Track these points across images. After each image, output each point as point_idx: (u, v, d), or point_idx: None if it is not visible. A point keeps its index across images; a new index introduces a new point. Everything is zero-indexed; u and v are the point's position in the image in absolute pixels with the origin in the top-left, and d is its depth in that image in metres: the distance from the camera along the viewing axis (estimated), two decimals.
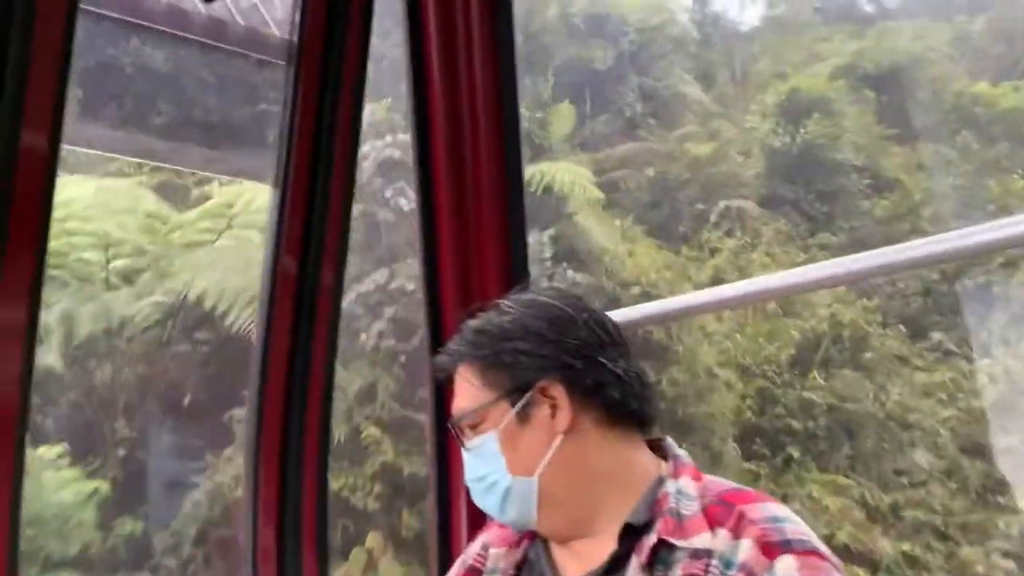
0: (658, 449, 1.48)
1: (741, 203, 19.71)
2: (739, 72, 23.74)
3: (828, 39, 23.27)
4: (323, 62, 2.38)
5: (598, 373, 1.41)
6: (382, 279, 15.13)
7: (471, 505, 1.58)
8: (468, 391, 1.47)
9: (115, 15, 2.11)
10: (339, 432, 13.81)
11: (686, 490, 1.38)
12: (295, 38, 2.38)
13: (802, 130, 19.92)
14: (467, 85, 2.55)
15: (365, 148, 15.37)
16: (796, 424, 15.96)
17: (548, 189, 17.02)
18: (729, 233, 19.29)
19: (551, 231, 17.00)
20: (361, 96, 2.47)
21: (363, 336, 14.84)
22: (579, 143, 20.40)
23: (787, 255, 18.58)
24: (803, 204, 20.02)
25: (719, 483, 1.41)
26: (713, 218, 19.57)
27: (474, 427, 1.47)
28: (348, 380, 14.22)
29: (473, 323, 1.50)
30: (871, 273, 1.88)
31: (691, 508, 1.35)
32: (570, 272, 16.60)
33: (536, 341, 1.42)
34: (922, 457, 15.77)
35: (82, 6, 1.93)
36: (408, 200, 15.57)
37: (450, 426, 1.51)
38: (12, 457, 1.84)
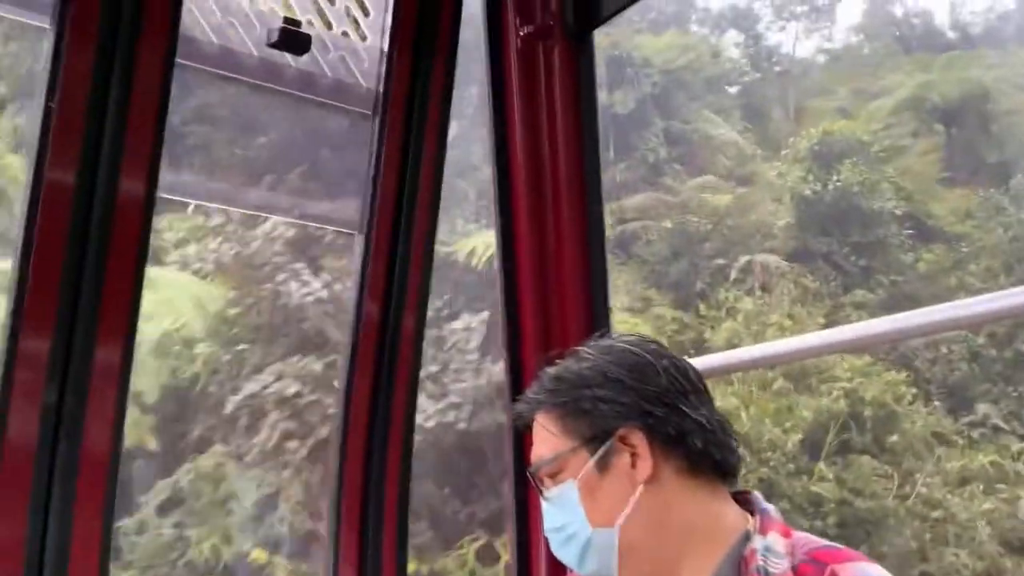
0: (744, 502, 1.43)
1: (765, 257, 18.15)
2: (792, 109, 22.57)
3: (894, 70, 22.06)
4: (407, 112, 2.43)
5: (680, 421, 1.38)
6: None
7: (550, 556, 1.55)
8: (547, 439, 1.45)
9: (210, 68, 2.19)
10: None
11: (775, 547, 1.32)
12: (381, 89, 2.43)
13: (835, 176, 18.40)
14: (548, 130, 2.57)
15: (266, 226, 14.58)
16: (803, 522, 13.88)
17: None
18: (750, 291, 17.74)
19: None
20: (443, 145, 2.50)
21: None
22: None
23: (811, 316, 16.85)
24: (836, 257, 18.40)
25: (809, 540, 1.35)
26: (734, 274, 18.09)
27: (553, 476, 1.44)
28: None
29: (551, 370, 1.48)
30: (908, 335, 1.79)
31: (780, 567, 1.29)
32: None
33: (615, 388, 1.39)
34: (957, 557, 13.59)
35: (179, 60, 2.01)
36: (300, 284, 14.85)
37: (529, 475, 1.49)
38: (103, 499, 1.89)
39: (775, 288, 17.81)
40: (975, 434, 15.44)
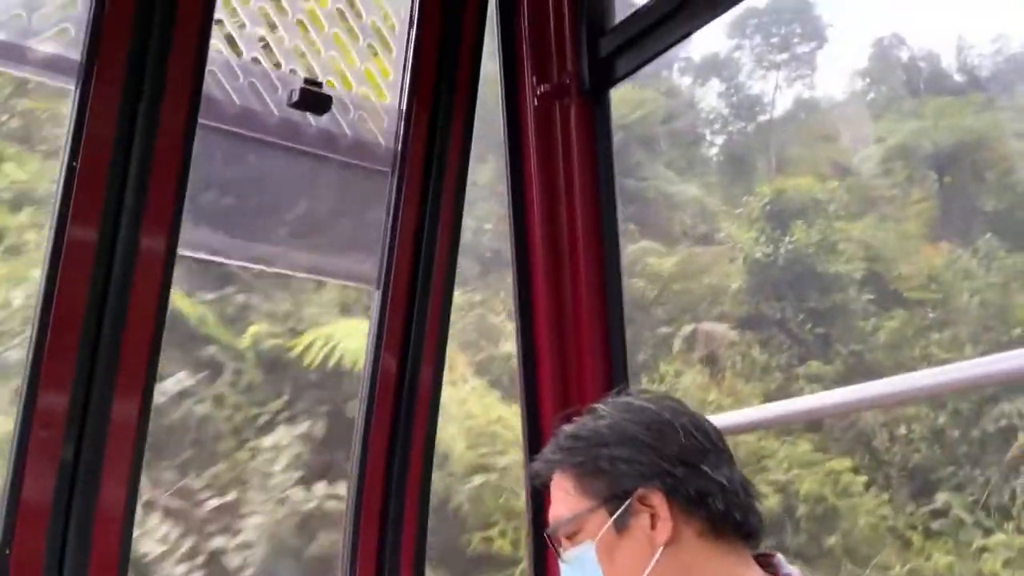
0: (767, 565, 1.40)
1: (712, 326, 16.76)
2: (774, 162, 21.25)
3: (880, 117, 21.09)
4: (425, 170, 2.46)
5: (700, 481, 1.36)
6: None
7: None
8: (564, 500, 1.43)
9: (232, 128, 2.23)
10: None
11: None
12: (399, 147, 2.46)
13: (788, 237, 16.95)
14: (565, 187, 2.59)
15: None
16: None
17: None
18: (689, 362, 16.28)
19: None
20: (461, 202, 2.53)
21: None
22: None
23: (754, 391, 15.37)
24: (791, 325, 16.90)
25: None
26: (678, 344, 16.71)
27: (571, 537, 1.42)
28: None
29: (568, 428, 1.47)
30: (865, 406, 1.79)
31: None
32: None
33: (634, 447, 1.38)
34: None
35: (201, 120, 2.05)
36: None
37: (547, 536, 1.46)
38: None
39: (721, 359, 16.65)
40: (935, 525, 13.93)
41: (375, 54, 2.50)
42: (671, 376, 16.29)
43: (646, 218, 19.18)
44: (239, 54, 2.26)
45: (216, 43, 2.18)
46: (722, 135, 23.44)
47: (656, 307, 17.49)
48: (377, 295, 2.44)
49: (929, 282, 17.43)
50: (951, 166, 19.12)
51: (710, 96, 24.12)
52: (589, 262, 2.60)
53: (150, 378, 1.94)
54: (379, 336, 2.40)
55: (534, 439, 2.55)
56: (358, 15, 2.48)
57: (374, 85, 2.49)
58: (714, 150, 23.43)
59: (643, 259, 17.88)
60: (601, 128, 2.63)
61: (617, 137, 2.69)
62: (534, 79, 2.63)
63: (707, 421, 1.45)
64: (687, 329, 16.92)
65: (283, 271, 2.52)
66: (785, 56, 23.98)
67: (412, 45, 2.49)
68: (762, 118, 23.41)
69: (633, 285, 16.82)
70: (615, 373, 2.59)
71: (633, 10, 2.49)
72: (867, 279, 17.46)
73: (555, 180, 2.61)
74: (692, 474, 1.36)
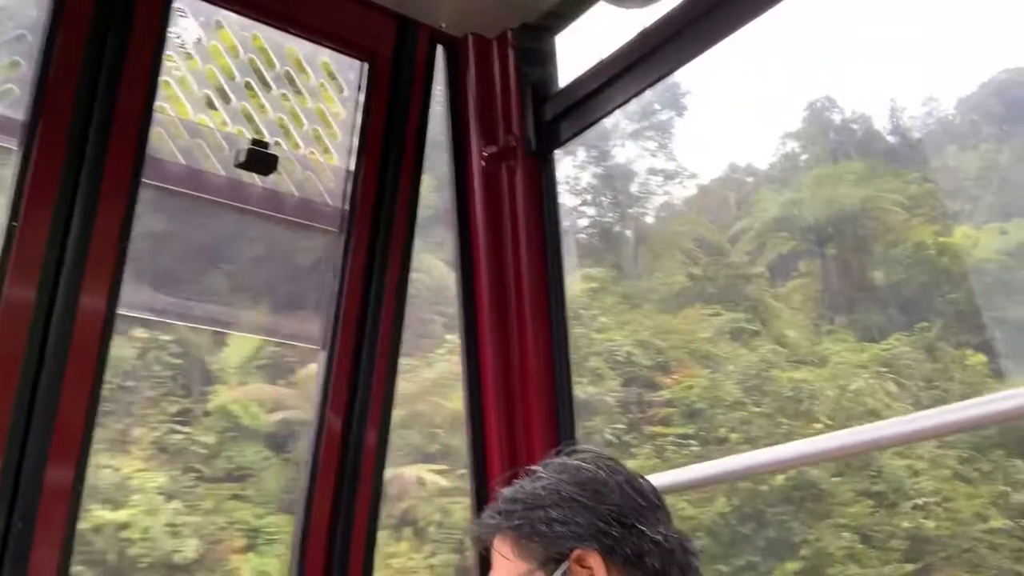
0: None
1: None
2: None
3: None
4: (373, 230, 2.47)
5: (637, 540, 1.36)
6: None
7: None
8: (503, 565, 1.43)
9: (177, 188, 2.22)
10: None
11: None
12: (347, 207, 2.48)
13: None
14: (511, 246, 2.62)
15: None
16: None
17: None
18: None
19: None
20: (408, 262, 2.53)
21: None
22: None
23: None
24: None
25: None
26: None
27: None
28: None
29: (507, 491, 1.47)
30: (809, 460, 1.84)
31: None
32: None
33: (570, 508, 1.38)
34: None
35: (146, 180, 2.05)
36: None
37: None
38: None
39: None
40: None
41: (323, 115, 2.53)
42: None
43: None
44: (185, 114, 2.27)
45: (162, 103, 2.18)
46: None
47: None
48: (323, 355, 2.42)
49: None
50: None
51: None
52: (536, 319, 2.61)
53: (86, 442, 1.90)
54: (324, 396, 2.39)
55: (482, 503, 2.53)
56: (307, 77, 2.51)
57: (322, 146, 2.51)
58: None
59: None
60: (547, 188, 2.67)
61: None
62: (481, 141, 2.67)
63: (644, 479, 1.46)
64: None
65: (226, 331, 2.50)
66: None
67: (361, 107, 2.52)
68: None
69: None
70: (563, 430, 2.59)
71: (576, 76, 2.55)
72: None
73: (502, 239, 2.63)
74: (629, 533, 1.36)
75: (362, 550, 2.40)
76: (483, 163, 2.66)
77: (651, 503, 1.42)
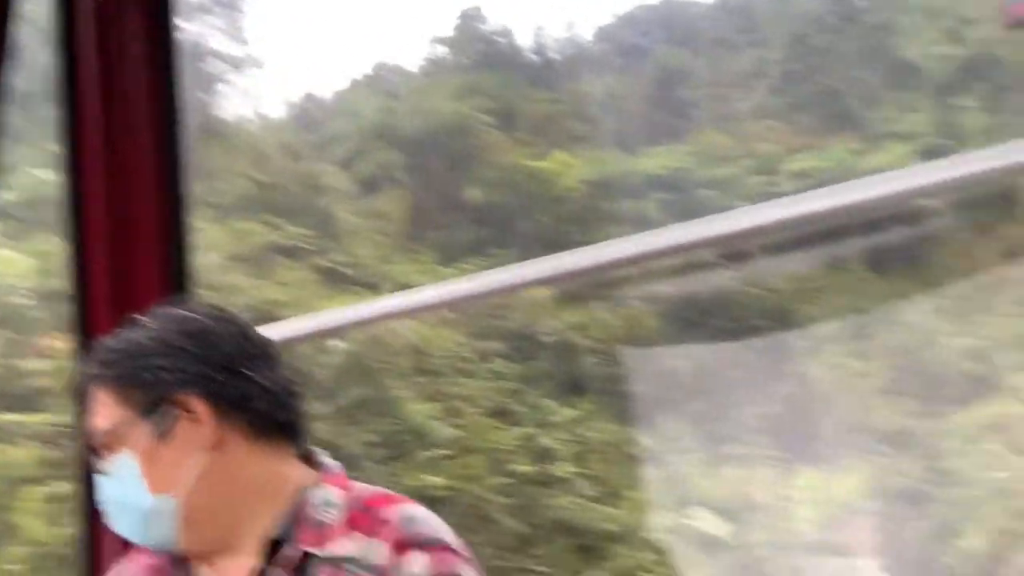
0: (312, 463, 1.48)
1: None
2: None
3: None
4: None
5: (242, 385, 1.39)
6: None
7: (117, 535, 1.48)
8: (104, 412, 1.40)
9: None
10: None
11: (330, 499, 1.39)
12: None
13: None
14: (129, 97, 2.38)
15: None
16: None
17: None
18: None
19: None
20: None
21: None
22: None
23: None
24: None
25: (366, 490, 1.43)
26: None
27: (111, 448, 1.39)
28: None
29: (108, 341, 1.43)
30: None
31: (332, 516, 1.37)
32: None
33: (175, 356, 1.37)
34: None
35: None
36: None
37: (88, 450, 1.42)
38: None
39: None
40: None
41: None
42: None
43: None
44: None
45: None
46: None
47: None
48: None
49: None
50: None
51: None
52: (149, 153, 2.40)
53: None
54: None
55: (87, 352, 2.38)
56: None
57: None
58: None
59: None
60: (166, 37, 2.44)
61: None
62: None
63: (253, 328, 1.48)
64: None
65: None
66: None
67: None
68: None
69: None
70: (178, 282, 2.49)
71: None
72: None
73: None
74: (235, 379, 1.38)
75: None
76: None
77: (261, 351, 1.45)
